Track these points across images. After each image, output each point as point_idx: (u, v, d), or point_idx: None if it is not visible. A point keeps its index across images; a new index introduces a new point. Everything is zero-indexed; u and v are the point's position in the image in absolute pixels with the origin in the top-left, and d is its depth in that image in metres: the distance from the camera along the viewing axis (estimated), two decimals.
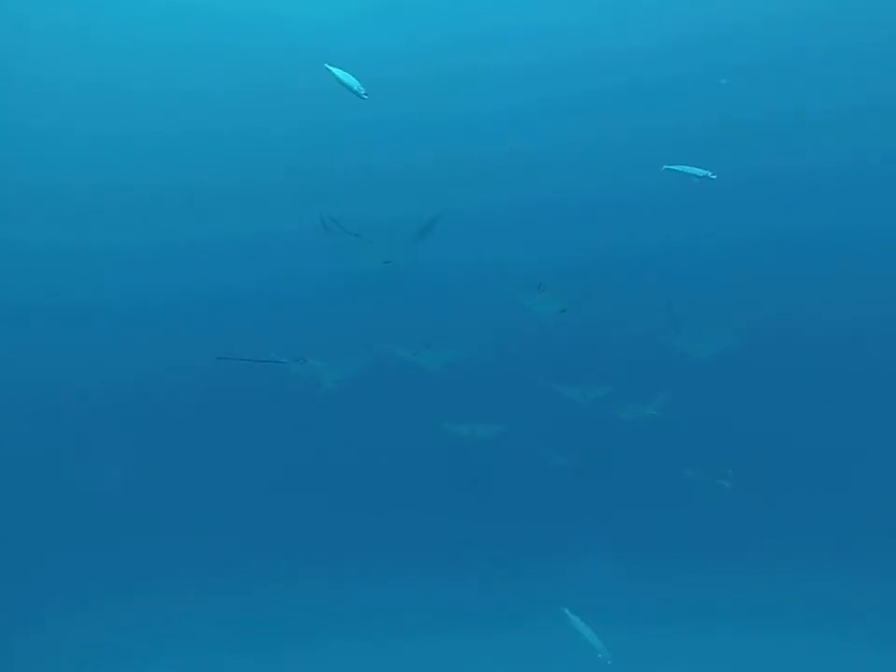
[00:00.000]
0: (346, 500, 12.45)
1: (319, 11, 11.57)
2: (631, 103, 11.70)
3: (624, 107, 11.70)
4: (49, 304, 12.63)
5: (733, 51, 11.56)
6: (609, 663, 6.13)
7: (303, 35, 11.49)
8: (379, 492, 12.50)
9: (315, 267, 11.56)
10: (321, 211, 8.05)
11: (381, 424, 12.30)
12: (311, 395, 9.76)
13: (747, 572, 10.91)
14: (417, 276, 9.65)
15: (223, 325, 12.47)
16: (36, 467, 12.29)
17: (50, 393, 12.74)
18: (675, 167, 6.81)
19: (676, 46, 11.59)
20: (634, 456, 11.56)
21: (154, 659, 10.06)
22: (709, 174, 6.54)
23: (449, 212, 8.77)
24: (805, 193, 11.75)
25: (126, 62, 11.39)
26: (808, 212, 12.00)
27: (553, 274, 9.11)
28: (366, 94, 6.13)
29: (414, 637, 10.23)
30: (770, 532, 11.46)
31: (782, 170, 11.60)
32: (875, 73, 11.53)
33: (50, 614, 10.90)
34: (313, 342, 10.64)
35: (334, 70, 6.20)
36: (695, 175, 6.66)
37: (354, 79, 6.19)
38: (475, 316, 11.46)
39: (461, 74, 11.52)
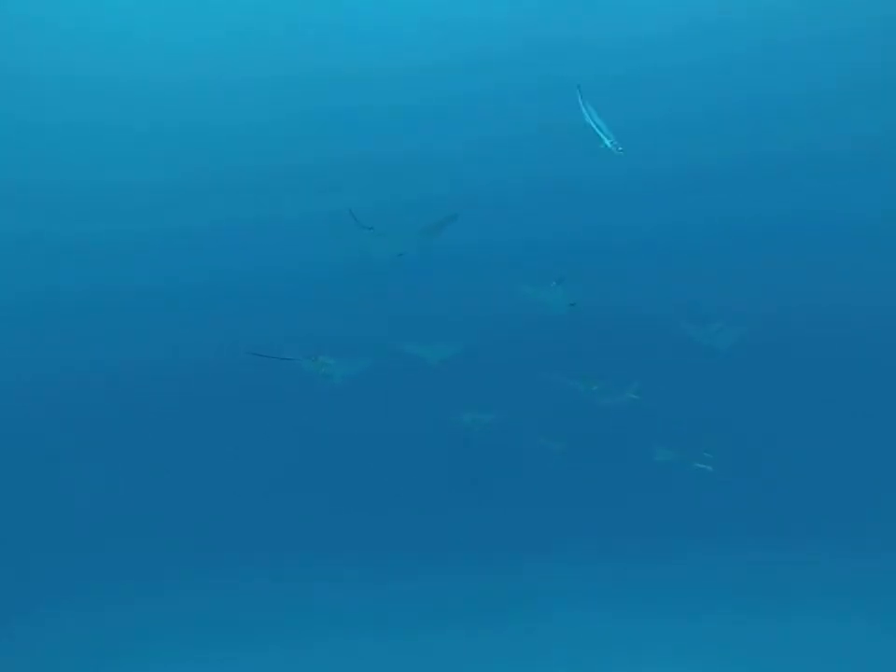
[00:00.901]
0: (347, 495, 12.43)
1: None
2: (642, 89, 11.59)
3: (634, 94, 11.61)
4: (60, 295, 12.41)
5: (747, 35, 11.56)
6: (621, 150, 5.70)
7: (316, 17, 11.33)
8: (382, 485, 12.49)
9: (322, 259, 11.47)
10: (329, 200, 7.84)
11: (385, 415, 12.28)
12: (317, 389, 9.66)
13: (741, 557, 11.06)
14: (420, 269, 9.56)
15: (226, 317, 12.35)
16: (36, 461, 12.12)
17: (50, 389, 12.54)
18: None
19: (687, 31, 11.53)
20: (633, 447, 11.60)
21: (155, 655, 9.96)
22: None
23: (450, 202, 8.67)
24: (813, 182, 11.76)
25: (124, 52, 11.22)
26: (807, 201, 12.04)
27: (558, 266, 9.05)
28: (621, 150, 5.55)
29: (416, 630, 10.25)
30: (767, 517, 11.61)
31: (794, 158, 11.58)
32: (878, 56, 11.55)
33: (53, 607, 10.78)
34: (319, 333, 10.57)
35: (586, 110, 5.58)
36: None
37: (605, 128, 5.52)
38: (479, 309, 11.43)
39: (469, 58, 11.40)
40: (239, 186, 12.02)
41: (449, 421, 10.55)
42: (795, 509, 11.55)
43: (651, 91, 11.55)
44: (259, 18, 11.31)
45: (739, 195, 11.31)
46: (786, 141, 11.47)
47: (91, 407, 12.43)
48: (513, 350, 11.65)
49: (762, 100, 11.57)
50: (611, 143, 5.62)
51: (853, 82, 11.49)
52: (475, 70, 11.50)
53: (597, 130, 5.66)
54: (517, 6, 11.30)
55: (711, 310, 9.35)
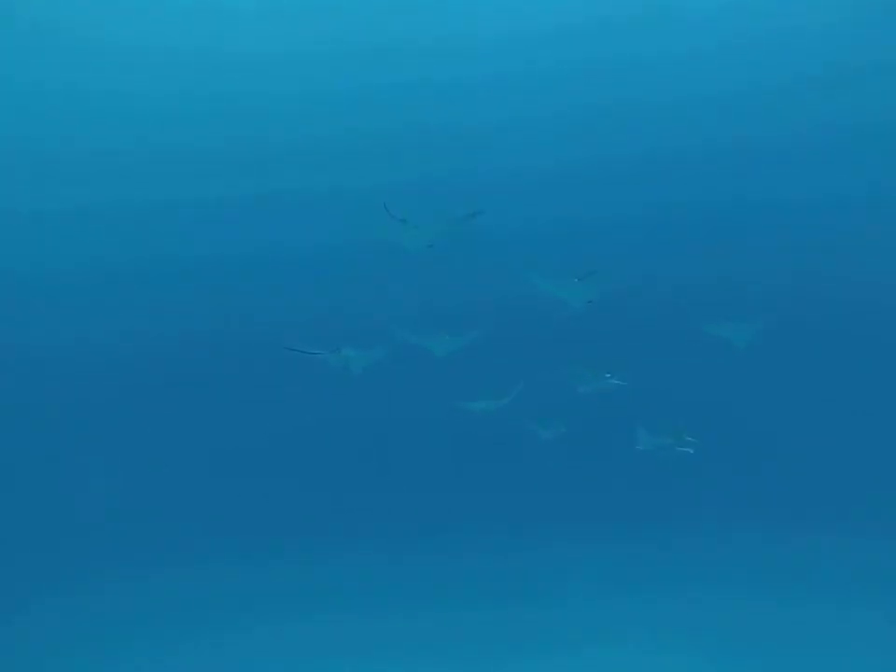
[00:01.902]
0: (354, 481, 12.43)
1: None
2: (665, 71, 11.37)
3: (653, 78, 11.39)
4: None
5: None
6: None
7: None
8: (385, 471, 12.50)
9: (332, 250, 11.31)
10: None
11: (389, 403, 12.22)
12: (316, 379, 9.54)
13: (743, 537, 11.16)
14: (429, 262, 9.40)
15: (236, 301, 12.16)
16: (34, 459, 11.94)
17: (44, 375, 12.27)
18: None
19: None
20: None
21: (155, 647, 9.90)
22: None
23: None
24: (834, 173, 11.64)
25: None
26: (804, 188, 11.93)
27: (571, 259, 8.90)
28: None
29: (426, 610, 10.27)
30: (772, 503, 11.72)
31: (817, 147, 11.44)
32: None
33: (50, 602, 10.66)
34: (329, 321, 10.46)
35: None
36: None
37: None
38: (491, 302, 11.34)
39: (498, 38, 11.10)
40: (254, 164, 11.79)
41: (455, 408, 10.49)
42: (800, 495, 11.67)
43: (677, 72, 11.35)
44: None
45: (758, 186, 11.22)
46: (810, 129, 11.32)
47: (88, 393, 12.22)
48: (524, 340, 11.56)
49: (779, 91, 11.40)
50: None
51: (866, 68, 11.33)
52: (501, 51, 11.23)
53: None
54: None
55: (730, 304, 9.28)
